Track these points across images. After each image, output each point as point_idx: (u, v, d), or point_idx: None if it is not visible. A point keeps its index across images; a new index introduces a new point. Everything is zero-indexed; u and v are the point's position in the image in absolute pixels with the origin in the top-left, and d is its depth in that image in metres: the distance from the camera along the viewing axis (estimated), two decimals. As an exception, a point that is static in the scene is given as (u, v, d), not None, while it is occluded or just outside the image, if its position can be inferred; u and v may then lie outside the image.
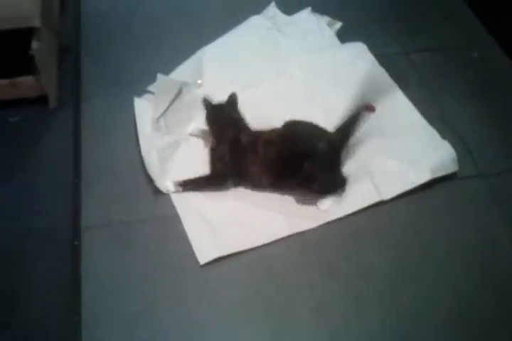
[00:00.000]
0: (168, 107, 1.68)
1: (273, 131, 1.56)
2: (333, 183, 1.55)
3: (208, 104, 1.61)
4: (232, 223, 1.49)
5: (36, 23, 1.57)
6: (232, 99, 1.61)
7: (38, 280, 1.36)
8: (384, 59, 1.94)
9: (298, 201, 1.55)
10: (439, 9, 2.26)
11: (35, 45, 1.58)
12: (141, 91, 1.76)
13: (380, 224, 1.53)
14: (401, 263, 1.46)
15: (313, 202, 1.54)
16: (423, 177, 1.59)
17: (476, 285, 1.43)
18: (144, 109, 1.70)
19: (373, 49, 1.95)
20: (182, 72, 1.83)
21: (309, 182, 1.50)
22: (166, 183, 1.54)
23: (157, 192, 1.53)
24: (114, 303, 1.33)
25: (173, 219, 1.49)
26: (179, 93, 1.73)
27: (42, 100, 1.70)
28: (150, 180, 1.54)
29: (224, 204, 1.53)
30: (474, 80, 1.98)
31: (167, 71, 1.83)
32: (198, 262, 1.40)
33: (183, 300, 1.35)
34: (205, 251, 1.41)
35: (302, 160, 1.48)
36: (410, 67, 1.99)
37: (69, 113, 1.73)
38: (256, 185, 1.56)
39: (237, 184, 1.56)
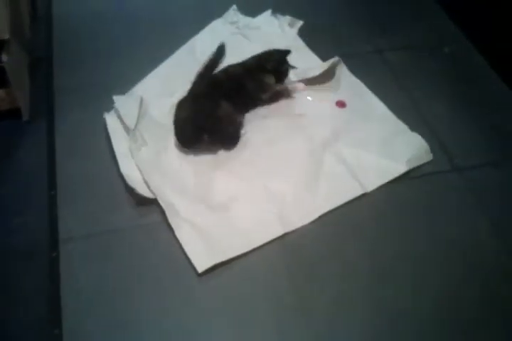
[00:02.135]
0: (138, 120, 1.66)
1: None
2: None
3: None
4: (225, 228, 1.48)
5: (5, 35, 1.56)
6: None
7: (18, 294, 1.34)
8: (357, 58, 1.97)
9: (287, 199, 1.56)
10: (409, 7, 2.28)
11: (4, 58, 1.56)
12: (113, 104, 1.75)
13: (358, 223, 1.53)
14: (381, 262, 1.46)
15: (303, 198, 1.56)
16: (400, 169, 1.64)
17: (458, 280, 1.44)
18: (117, 125, 1.68)
19: (345, 48, 1.97)
20: (146, 87, 1.82)
21: None
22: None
23: (140, 202, 1.51)
24: (96, 315, 1.31)
25: (153, 229, 1.47)
26: (145, 107, 1.72)
27: (14, 113, 1.69)
28: (131, 192, 1.52)
29: (214, 211, 1.51)
30: (446, 75, 2.00)
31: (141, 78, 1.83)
32: (179, 271, 1.39)
33: (166, 309, 1.33)
34: (202, 259, 1.40)
35: None
36: (384, 66, 2.01)
37: (43, 125, 1.71)
38: None
39: None
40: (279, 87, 1.77)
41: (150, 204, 1.51)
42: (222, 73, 1.75)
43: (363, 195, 1.58)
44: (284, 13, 2.12)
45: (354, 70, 1.93)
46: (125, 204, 1.52)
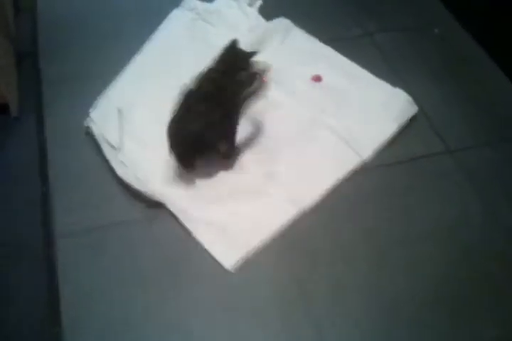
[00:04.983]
0: (121, 137, 1.62)
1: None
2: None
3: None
4: (240, 220, 1.48)
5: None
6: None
7: (14, 293, 1.34)
8: (346, 41, 1.95)
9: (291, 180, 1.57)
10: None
11: (-11, 52, 1.55)
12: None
13: (351, 208, 1.53)
14: (378, 246, 1.46)
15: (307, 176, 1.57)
16: (391, 127, 1.68)
17: (454, 263, 1.44)
18: (102, 131, 1.63)
19: (334, 32, 1.95)
20: (119, 91, 1.76)
21: None
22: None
23: (153, 205, 1.50)
24: (96, 311, 1.31)
25: (148, 222, 1.47)
26: (123, 116, 1.66)
27: (3, 109, 1.67)
28: (141, 195, 1.50)
29: (224, 205, 1.51)
30: (437, 57, 1.99)
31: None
32: (180, 264, 1.39)
33: (168, 303, 1.34)
34: (227, 255, 1.40)
35: None
36: (374, 48, 1.99)
37: (32, 120, 1.70)
38: None
39: None
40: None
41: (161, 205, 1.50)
42: (210, 83, 1.52)
43: (355, 179, 1.58)
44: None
45: (344, 54, 1.91)
46: (119, 198, 1.52)
